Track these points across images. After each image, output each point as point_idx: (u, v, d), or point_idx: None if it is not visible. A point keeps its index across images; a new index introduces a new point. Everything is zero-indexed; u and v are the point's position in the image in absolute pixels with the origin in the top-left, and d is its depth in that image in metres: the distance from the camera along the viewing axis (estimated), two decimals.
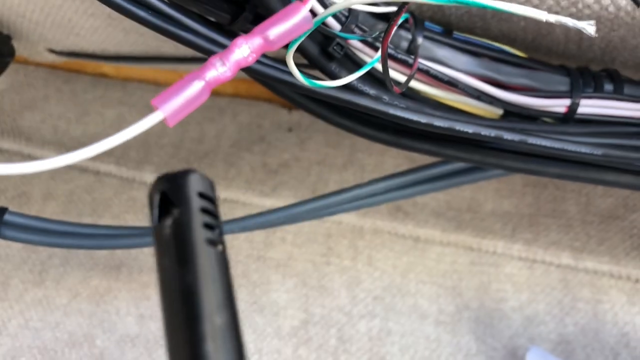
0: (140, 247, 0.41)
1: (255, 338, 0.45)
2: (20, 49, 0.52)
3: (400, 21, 0.17)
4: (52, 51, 0.51)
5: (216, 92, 0.57)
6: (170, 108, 0.17)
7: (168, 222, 0.17)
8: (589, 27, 0.15)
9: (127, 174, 0.54)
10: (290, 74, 0.20)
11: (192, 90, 0.17)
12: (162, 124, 0.63)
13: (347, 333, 0.45)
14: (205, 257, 0.16)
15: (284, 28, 0.17)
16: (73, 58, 0.51)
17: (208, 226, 0.17)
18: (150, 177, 0.53)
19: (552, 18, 0.15)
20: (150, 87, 0.59)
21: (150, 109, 0.62)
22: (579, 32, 0.31)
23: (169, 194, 0.17)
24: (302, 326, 0.46)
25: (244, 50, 0.17)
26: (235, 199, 0.52)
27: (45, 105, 0.58)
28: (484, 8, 0.16)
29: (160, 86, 0.58)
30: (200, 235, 0.17)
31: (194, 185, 0.17)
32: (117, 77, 0.59)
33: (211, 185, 0.18)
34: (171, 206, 0.17)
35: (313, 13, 0.23)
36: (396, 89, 0.22)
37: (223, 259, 0.17)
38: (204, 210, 0.17)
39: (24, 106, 0.58)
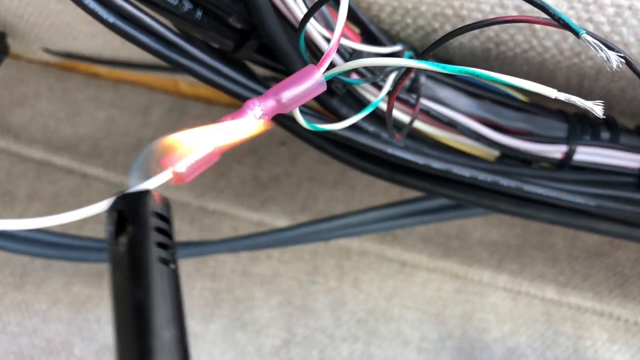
0: None
1: (235, 356, 0.45)
2: (15, 46, 0.51)
3: (405, 82, 0.17)
4: (47, 50, 0.50)
5: (211, 101, 0.57)
6: (180, 168, 0.17)
7: (123, 240, 0.17)
8: (596, 108, 0.15)
9: (115, 178, 0.53)
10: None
11: (203, 151, 0.16)
12: (153, 127, 0.61)
13: (329, 355, 0.45)
14: (157, 275, 0.17)
15: (297, 91, 0.16)
16: (68, 59, 0.50)
17: (161, 245, 0.18)
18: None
19: (562, 96, 0.15)
20: (143, 90, 0.58)
21: (141, 113, 0.61)
22: (580, 80, 0.31)
23: (125, 212, 0.18)
24: (283, 346, 0.45)
25: (257, 112, 0.16)
26: (224, 211, 0.52)
27: (36, 102, 0.57)
28: (494, 81, 0.16)
29: (154, 90, 0.58)
30: (153, 253, 0.17)
31: (150, 205, 0.18)
32: (109, 77, 0.58)
33: (167, 206, 0.19)
34: (127, 224, 0.18)
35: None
36: (398, 136, 0.21)
37: (174, 277, 0.18)
38: (159, 230, 0.18)
39: (14, 102, 0.57)
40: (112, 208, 0.18)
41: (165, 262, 0.17)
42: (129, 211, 0.17)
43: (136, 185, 0.19)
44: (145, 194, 0.18)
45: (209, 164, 0.17)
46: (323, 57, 0.16)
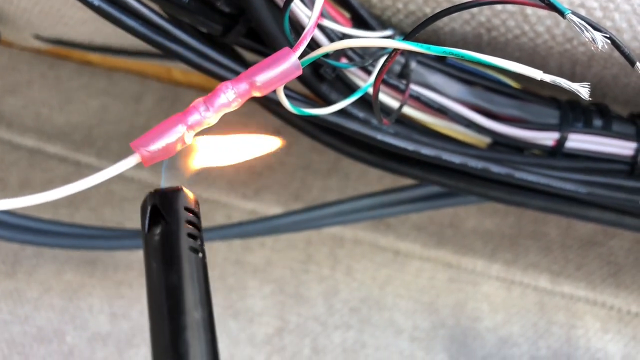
0: (116, 249, 0.41)
1: (228, 344, 0.45)
2: (6, 32, 0.50)
3: (391, 64, 0.17)
4: (38, 37, 0.50)
5: (202, 87, 0.57)
6: (149, 152, 0.16)
7: (158, 230, 0.19)
8: (582, 90, 0.15)
9: (107, 166, 0.53)
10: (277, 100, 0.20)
11: (173, 135, 0.16)
12: (146, 114, 0.61)
13: (321, 343, 0.45)
14: (188, 261, 0.19)
15: (272, 74, 0.16)
16: (59, 46, 0.50)
17: (191, 236, 0.20)
18: (131, 171, 0.52)
19: (547, 78, 0.15)
20: (136, 77, 0.58)
21: (133, 101, 0.61)
22: (572, 67, 0.30)
23: (160, 207, 0.20)
24: (276, 334, 0.45)
25: (230, 95, 0.16)
26: (217, 200, 0.51)
27: (28, 90, 0.57)
28: (477, 62, 0.15)
29: (146, 78, 0.57)
30: (185, 242, 0.19)
31: (182, 200, 0.20)
32: (102, 65, 0.58)
33: (196, 201, 0.21)
34: (160, 218, 0.20)
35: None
36: (385, 121, 0.21)
37: (203, 264, 0.20)
38: (189, 222, 0.20)
39: (6, 90, 0.57)
40: (148, 202, 0.20)
41: (195, 250, 0.19)
42: (163, 206, 0.19)
43: (166, 182, 0.21)
44: (178, 190, 0.20)
45: (179, 145, 0.17)
46: (299, 40, 0.16)
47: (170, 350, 0.17)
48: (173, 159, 0.21)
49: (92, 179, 0.17)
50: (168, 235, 0.19)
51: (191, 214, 0.20)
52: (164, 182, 0.21)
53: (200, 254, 0.19)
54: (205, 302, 0.19)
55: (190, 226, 0.20)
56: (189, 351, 0.17)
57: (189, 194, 0.20)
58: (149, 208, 0.20)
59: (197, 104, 0.16)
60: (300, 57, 0.17)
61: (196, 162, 0.21)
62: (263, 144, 0.23)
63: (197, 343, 0.18)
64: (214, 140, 0.22)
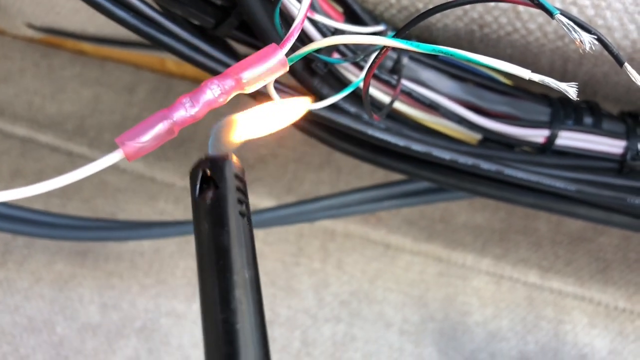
0: (107, 240, 0.41)
1: None
2: None
3: (382, 60, 0.17)
4: (31, 26, 0.49)
5: (196, 79, 0.56)
6: (133, 147, 0.16)
7: (209, 194, 0.20)
8: (570, 90, 0.15)
9: (100, 157, 0.52)
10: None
11: (158, 130, 0.16)
12: (139, 105, 0.61)
13: (311, 336, 0.45)
14: (237, 224, 0.20)
15: (258, 71, 0.16)
16: (52, 35, 0.50)
17: (240, 201, 0.20)
18: (124, 162, 0.52)
19: (536, 77, 0.15)
20: (129, 68, 0.57)
21: (126, 91, 0.60)
22: (564, 64, 0.31)
23: (212, 173, 0.20)
24: (266, 326, 0.46)
25: (215, 91, 0.16)
26: None
27: (20, 79, 0.56)
28: (468, 60, 0.15)
29: (140, 68, 0.57)
30: (235, 207, 0.20)
31: (232, 168, 0.21)
32: (95, 55, 0.58)
33: (243, 170, 0.22)
34: (210, 183, 0.20)
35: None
36: (376, 116, 0.21)
37: (250, 228, 0.21)
38: (238, 189, 0.20)
39: None
40: (199, 167, 0.20)
41: (243, 215, 0.20)
42: (215, 172, 0.20)
43: (213, 150, 0.21)
44: (229, 157, 0.21)
45: (164, 140, 0.17)
46: (286, 36, 0.16)
47: (221, 305, 0.18)
48: (218, 129, 0.21)
49: (75, 174, 0.17)
50: (219, 199, 0.20)
51: (239, 181, 0.21)
52: (211, 150, 0.21)
53: (246, 219, 0.20)
54: (253, 263, 0.20)
55: (239, 193, 0.20)
56: (240, 307, 0.18)
57: (237, 161, 0.21)
58: (200, 173, 0.20)
59: (183, 99, 0.16)
60: (291, 51, 0.17)
61: (239, 135, 0.21)
62: (295, 107, 0.23)
63: (246, 300, 0.19)
64: (252, 112, 0.22)
